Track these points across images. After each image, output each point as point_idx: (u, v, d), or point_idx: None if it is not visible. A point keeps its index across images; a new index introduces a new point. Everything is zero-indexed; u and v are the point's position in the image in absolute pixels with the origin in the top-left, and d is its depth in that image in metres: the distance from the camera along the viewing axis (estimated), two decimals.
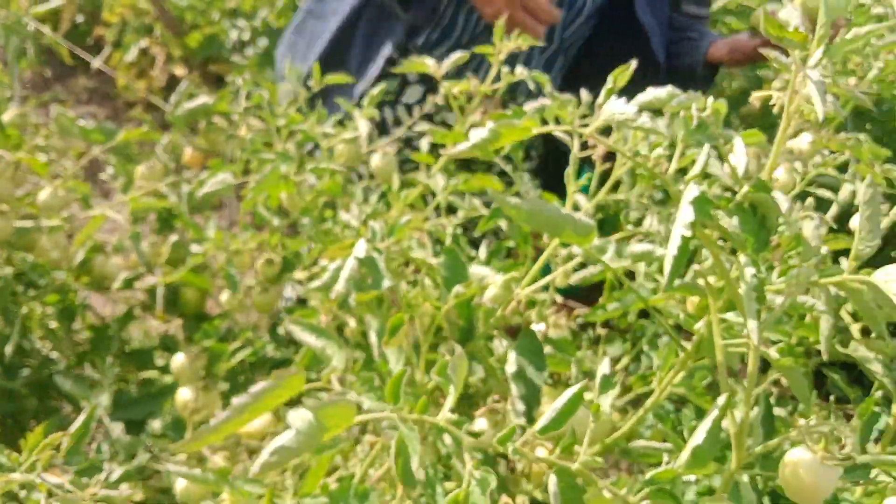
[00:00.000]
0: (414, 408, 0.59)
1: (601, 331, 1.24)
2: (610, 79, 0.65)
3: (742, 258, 0.59)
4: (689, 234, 0.54)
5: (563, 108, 0.62)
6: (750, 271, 0.58)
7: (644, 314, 1.17)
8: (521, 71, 0.95)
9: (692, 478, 0.95)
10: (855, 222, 1.15)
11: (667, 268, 0.54)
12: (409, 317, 0.82)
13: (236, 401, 0.56)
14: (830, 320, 0.93)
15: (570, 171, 0.76)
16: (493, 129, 0.64)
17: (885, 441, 1.03)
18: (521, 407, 0.79)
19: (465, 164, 1.34)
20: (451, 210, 1.17)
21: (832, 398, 1.30)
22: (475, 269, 0.84)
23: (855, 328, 1.06)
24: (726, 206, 0.61)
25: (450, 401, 0.55)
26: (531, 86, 0.92)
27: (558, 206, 0.66)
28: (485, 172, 1.10)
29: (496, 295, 0.81)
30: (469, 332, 0.84)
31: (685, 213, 0.55)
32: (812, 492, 0.63)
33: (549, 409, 0.58)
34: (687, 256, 0.54)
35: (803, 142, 1.16)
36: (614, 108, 0.58)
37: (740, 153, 0.63)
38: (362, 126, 1.25)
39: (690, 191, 0.56)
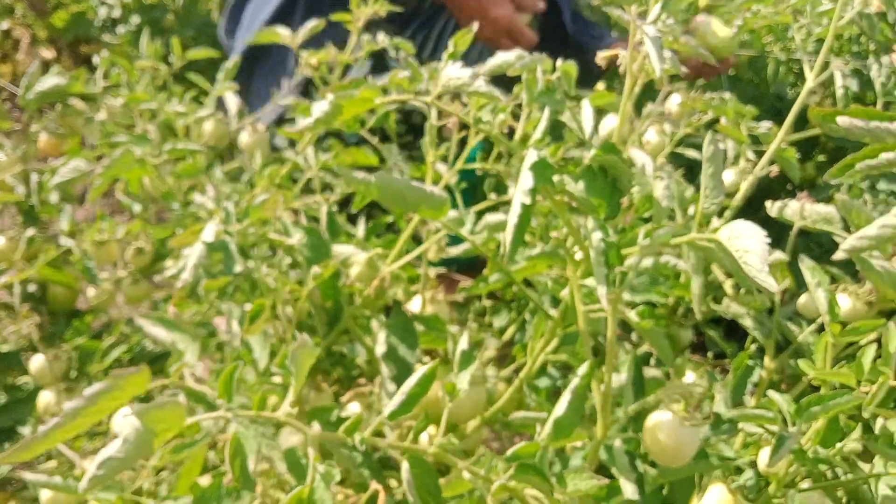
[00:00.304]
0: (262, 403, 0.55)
1: (487, 302, 1.22)
2: (451, 43, 0.62)
3: (590, 222, 0.57)
4: (528, 201, 0.52)
5: (406, 78, 0.59)
6: (597, 236, 0.56)
7: (529, 284, 1.16)
8: (382, 38, 0.91)
9: (579, 443, 0.95)
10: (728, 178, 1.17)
11: (507, 238, 0.52)
12: (272, 302, 0.78)
13: (69, 405, 0.51)
14: (699, 279, 0.95)
15: (426, 140, 0.73)
16: (333, 102, 0.61)
17: (760, 392, 1.06)
18: (391, 388, 0.77)
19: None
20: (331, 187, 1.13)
21: (709, 354, 1.33)
22: (339, 248, 0.80)
23: (728, 284, 1.08)
24: (573, 171, 0.59)
25: (290, 394, 0.51)
26: (392, 53, 0.88)
27: (410, 180, 0.63)
28: (357, 146, 1.06)
29: (360, 273, 0.77)
30: (336, 314, 0.81)
31: (525, 180, 0.53)
32: (673, 453, 0.63)
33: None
34: (528, 225, 0.52)
35: (673, 103, 1.16)
36: (450, 73, 0.55)
37: (587, 115, 0.61)
38: (231, 102, 1.18)
39: (530, 156, 0.53)
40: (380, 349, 0.78)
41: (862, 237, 0.88)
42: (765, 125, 1.10)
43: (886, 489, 0.79)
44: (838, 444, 0.81)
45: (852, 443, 0.77)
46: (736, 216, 1.20)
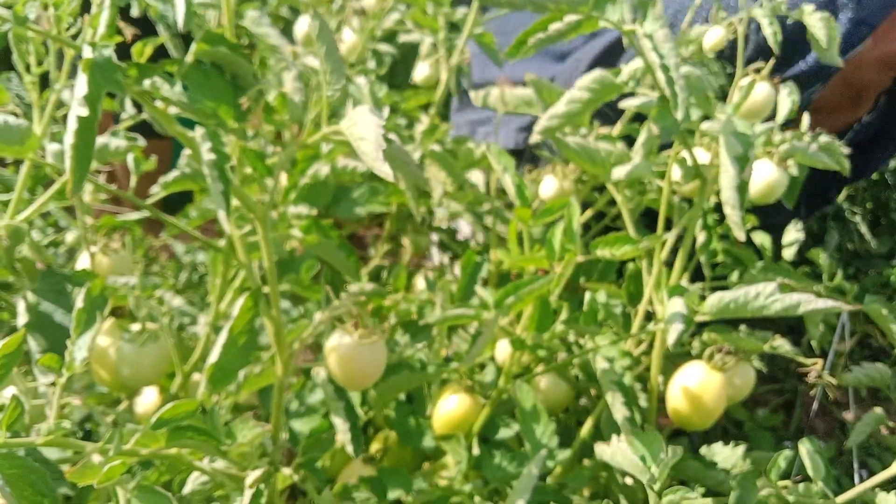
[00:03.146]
0: None
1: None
2: None
3: (198, 132, 0.48)
4: (86, 113, 0.41)
5: None
6: (206, 146, 0.47)
7: None
8: None
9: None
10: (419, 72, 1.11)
11: (67, 164, 0.41)
12: None
13: None
14: (408, 182, 0.89)
15: None
16: None
17: (491, 283, 1.04)
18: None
19: None
20: None
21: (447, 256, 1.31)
22: None
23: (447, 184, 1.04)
24: (173, 70, 0.48)
25: None
26: None
27: None
28: None
29: None
30: None
31: (80, 87, 0.41)
32: (359, 375, 0.57)
33: None
34: (91, 143, 0.41)
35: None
36: None
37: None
38: None
39: (85, 53, 0.42)
40: (21, 320, 0.65)
41: (552, 116, 0.85)
42: (462, 11, 1.04)
43: (603, 362, 0.79)
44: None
45: (561, 324, 0.76)
46: (440, 110, 1.16)
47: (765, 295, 0.70)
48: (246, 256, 0.57)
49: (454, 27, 1.04)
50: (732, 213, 0.71)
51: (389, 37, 1.27)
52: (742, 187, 0.71)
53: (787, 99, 0.95)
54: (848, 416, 1.89)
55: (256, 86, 0.52)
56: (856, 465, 1.01)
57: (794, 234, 1.03)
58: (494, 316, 0.66)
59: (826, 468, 0.82)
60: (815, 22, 0.90)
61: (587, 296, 0.79)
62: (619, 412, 0.76)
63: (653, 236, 0.69)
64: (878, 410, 1.00)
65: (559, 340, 0.79)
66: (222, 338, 0.53)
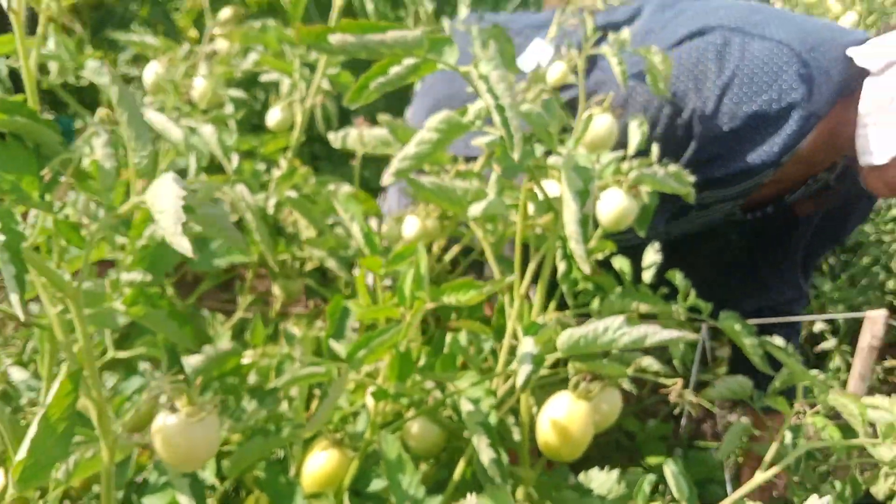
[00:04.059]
0: None
1: None
2: None
3: None
4: None
5: None
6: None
7: None
8: None
9: None
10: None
11: None
12: None
13: None
14: (258, 234, 0.86)
15: None
16: None
17: (362, 330, 1.02)
18: None
19: None
20: None
21: (311, 303, 1.28)
22: None
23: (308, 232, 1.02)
24: None
25: None
26: None
27: None
28: None
29: None
30: None
31: None
32: (187, 455, 0.53)
33: None
34: None
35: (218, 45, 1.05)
36: None
37: None
38: None
39: None
40: None
41: (403, 158, 0.85)
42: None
43: (468, 404, 0.79)
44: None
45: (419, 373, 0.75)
46: (300, 152, 1.14)
47: (613, 329, 0.71)
48: (65, 335, 0.53)
49: (311, 67, 1.02)
50: (576, 248, 0.72)
51: (252, 78, 1.25)
52: (584, 221, 0.73)
53: (637, 130, 0.99)
54: (732, 418, 1.96)
55: (63, 154, 0.49)
56: (727, 477, 1.04)
57: (652, 256, 1.06)
58: (342, 375, 0.64)
59: (689, 488, 0.84)
60: (657, 61, 0.94)
61: (448, 337, 0.78)
62: (486, 454, 0.75)
63: (496, 281, 0.69)
64: (745, 420, 1.04)
65: (423, 387, 0.78)
66: (34, 429, 0.49)
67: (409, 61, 0.73)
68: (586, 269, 0.72)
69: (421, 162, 0.83)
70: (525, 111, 0.78)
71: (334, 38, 0.67)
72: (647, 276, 1.04)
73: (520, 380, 0.65)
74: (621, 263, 1.04)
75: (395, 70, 0.73)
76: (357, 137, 0.96)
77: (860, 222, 1.39)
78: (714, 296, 1.13)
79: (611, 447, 1.91)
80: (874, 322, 0.98)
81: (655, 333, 0.72)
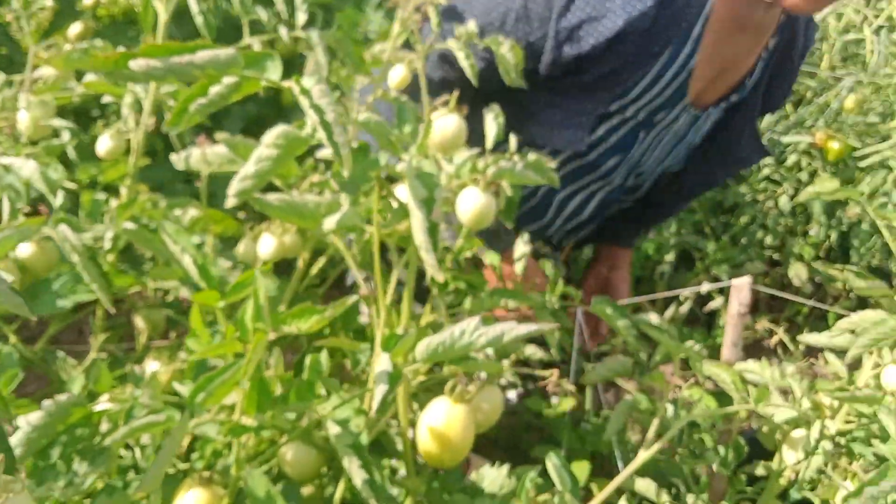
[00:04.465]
0: None
1: None
2: None
3: None
4: None
5: None
6: None
7: None
8: None
9: None
10: None
11: None
12: None
13: None
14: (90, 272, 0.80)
15: None
16: None
17: None
18: None
19: None
20: None
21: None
22: None
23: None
24: None
25: None
26: None
27: None
28: None
29: None
30: None
31: None
32: None
33: None
34: None
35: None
36: None
37: None
38: None
39: None
40: None
41: (244, 178, 0.81)
42: None
43: (335, 427, 0.76)
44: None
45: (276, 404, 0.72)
46: (148, 174, 1.08)
47: (469, 332, 0.70)
48: None
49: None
50: (426, 257, 0.70)
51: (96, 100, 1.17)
52: (433, 229, 0.71)
53: (493, 123, 0.97)
54: (630, 385, 2.01)
55: None
56: (618, 454, 1.05)
57: (522, 248, 1.05)
58: (181, 422, 0.60)
59: (572, 479, 0.84)
60: (504, 52, 0.93)
61: (307, 360, 0.75)
62: (358, 476, 0.73)
63: (338, 303, 0.66)
64: (629, 398, 1.05)
65: (286, 416, 0.74)
66: None
67: (229, 80, 0.69)
68: (439, 276, 0.71)
69: (263, 180, 0.79)
70: (363, 120, 0.75)
71: (136, 64, 0.62)
72: (519, 268, 1.04)
73: (375, 403, 0.62)
74: (492, 258, 1.03)
75: (215, 90, 0.69)
76: (200, 157, 0.91)
77: (794, 79, 1.43)
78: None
79: (521, 428, 1.93)
80: (740, 290, 1.00)
81: (513, 330, 0.71)
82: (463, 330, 0.70)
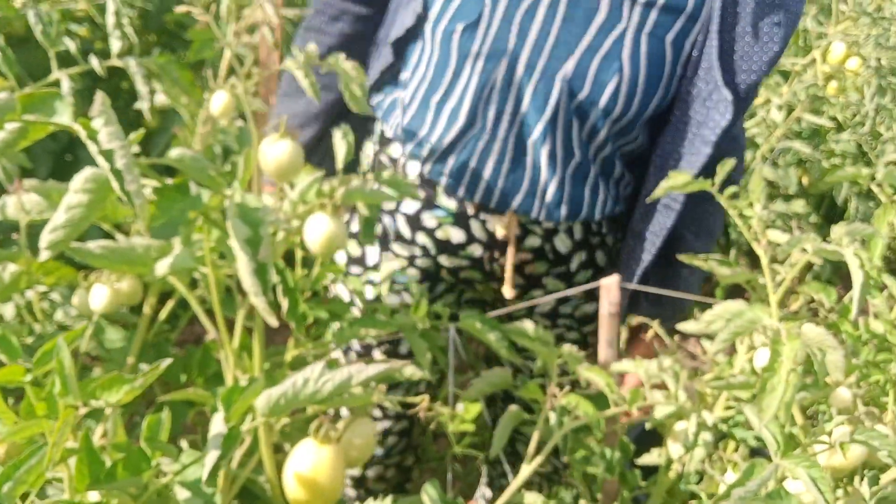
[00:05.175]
0: None
1: None
2: None
3: None
4: None
5: None
6: None
7: None
8: None
9: None
10: None
11: None
12: None
13: None
14: None
15: None
16: None
17: None
18: None
19: None
20: None
21: None
22: None
23: None
24: None
25: None
26: None
27: None
28: None
29: None
30: None
31: None
32: None
33: None
34: None
35: None
36: None
37: None
38: None
39: None
40: None
41: (54, 228, 0.73)
42: None
43: (183, 491, 0.70)
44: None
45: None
46: None
47: (314, 379, 0.65)
48: None
49: None
50: (256, 301, 0.65)
51: None
52: (261, 270, 0.65)
53: (343, 142, 0.92)
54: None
55: None
56: (507, 469, 1.03)
57: (389, 264, 1.01)
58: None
59: None
60: (348, 69, 0.88)
61: (144, 422, 0.69)
62: None
63: (151, 369, 0.60)
64: (514, 408, 1.02)
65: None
66: None
67: (12, 126, 0.62)
68: (272, 321, 0.66)
69: (78, 228, 0.72)
70: (176, 157, 0.68)
71: None
72: (384, 289, 0.99)
73: (204, 474, 0.57)
74: (355, 284, 0.98)
75: (11, 126, 0.62)
76: (17, 204, 0.82)
77: None
78: None
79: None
80: (609, 290, 0.99)
81: (360, 372, 0.67)
82: (306, 378, 0.65)
